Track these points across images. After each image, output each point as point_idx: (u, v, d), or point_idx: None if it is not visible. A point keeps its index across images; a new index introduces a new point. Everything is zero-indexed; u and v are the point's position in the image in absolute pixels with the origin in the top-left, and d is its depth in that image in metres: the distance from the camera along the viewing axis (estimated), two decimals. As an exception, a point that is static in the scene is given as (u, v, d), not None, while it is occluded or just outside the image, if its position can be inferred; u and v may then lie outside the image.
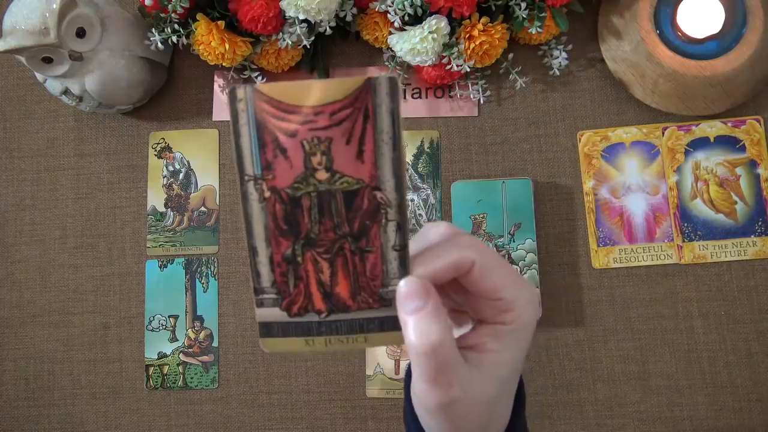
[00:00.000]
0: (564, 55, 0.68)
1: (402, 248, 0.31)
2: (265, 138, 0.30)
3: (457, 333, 0.36)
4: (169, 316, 0.70)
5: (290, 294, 0.32)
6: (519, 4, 0.64)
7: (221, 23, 0.64)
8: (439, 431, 0.33)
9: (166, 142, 0.73)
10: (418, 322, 0.30)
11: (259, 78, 0.69)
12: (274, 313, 0.32)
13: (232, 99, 0.29)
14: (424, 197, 0.70)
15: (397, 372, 0.67)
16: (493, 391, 0.32)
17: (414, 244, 0.33)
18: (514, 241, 0.65)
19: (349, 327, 0.32)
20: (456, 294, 0.35)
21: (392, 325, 0.31)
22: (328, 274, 0.32)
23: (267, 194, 0.30)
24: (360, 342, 0.32)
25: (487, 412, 0.33)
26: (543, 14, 0.64)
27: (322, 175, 0.30)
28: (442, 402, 0.31)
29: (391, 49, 0.66)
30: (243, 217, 0.31)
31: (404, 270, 0.31)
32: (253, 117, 0.29)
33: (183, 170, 0.73)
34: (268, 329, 0.32)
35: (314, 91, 0.29)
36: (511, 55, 0.69)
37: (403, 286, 0.31)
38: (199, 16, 0.64)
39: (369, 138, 0.30)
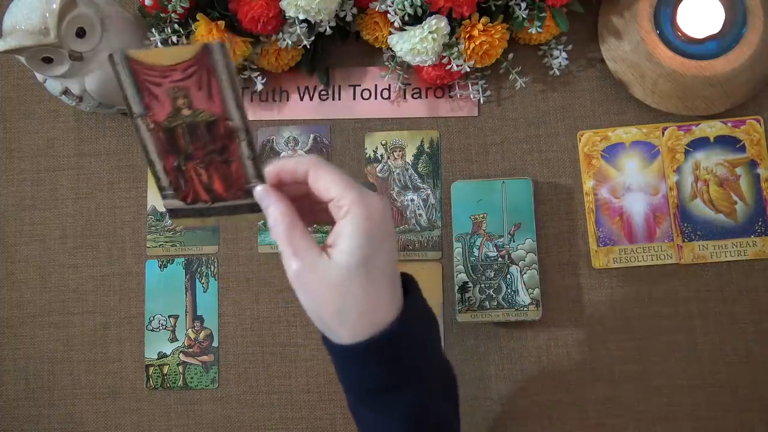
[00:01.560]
0: (564, 55, 0.68)
1: (254, 158, 0.43)
2: (141, 88, 0.41)
3: None
4: (169, 316, 0.70)
5: (183, 190, 0.44)
6: (519, 4, 0.64)
7: (221, 23, 0.64)
8: (307, 310, 0.42)
9: (166, 142, 0.73)
10: (268, 207, 0.42)
11: (259, 78, 0.69)
12: (175, 203, 0.45)
13: (112, 62, 0.40)
14: (424, 197, 0.70)
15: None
16: (339, 275, 0.40)
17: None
18: (514, 241, 0.65)
19: (229, 210, 0.45)
20: (325, 213, 0.44)
21: (258, 209, 0.44)
22: (206, 177, 0.44)
23: (151, 126, 0.42)
24: (239, 219, 0.45)
25: (340, 295, 0.40)
26: (543, 14, 0.64)
27: (186, 112, 0.42)
28: (295, 266, 0.40)
29: (391, 49, 0.66)
30: (139, 142, 0.43)
31: (258, 172, 0.43)
32: (130, 74, 0.40)
33: (183, 170, 0.73)
34: (174, 213, 0.46)
35: (167, 55, 0.40)
36: (511, 55, 0.69)
37: (258, 187, 0.43)
38: (199, 16, 0.64)
39: (214, 84, 0.40)
